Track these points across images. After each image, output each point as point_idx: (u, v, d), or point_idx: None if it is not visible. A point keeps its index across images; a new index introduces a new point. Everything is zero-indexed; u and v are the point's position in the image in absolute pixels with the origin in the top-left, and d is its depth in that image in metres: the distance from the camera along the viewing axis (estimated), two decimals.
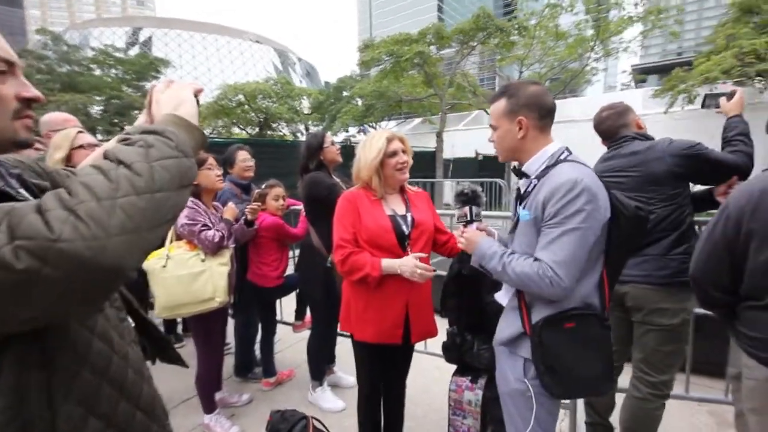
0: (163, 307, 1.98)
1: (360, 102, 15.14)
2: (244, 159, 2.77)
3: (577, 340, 1.20)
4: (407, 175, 1.75)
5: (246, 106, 16.06)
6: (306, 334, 3.46)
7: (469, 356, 1.88)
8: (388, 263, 1.62)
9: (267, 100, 16.20)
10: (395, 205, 1.76)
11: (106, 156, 0.59)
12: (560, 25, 12.12)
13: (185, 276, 1.96)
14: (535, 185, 1.26)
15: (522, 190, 1.35)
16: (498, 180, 9.76)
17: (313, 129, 18.91)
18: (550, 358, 1.20)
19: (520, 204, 1.33)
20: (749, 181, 1.25)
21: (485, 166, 12.53)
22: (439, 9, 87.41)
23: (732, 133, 1.71)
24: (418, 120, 18.14)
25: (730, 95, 1.80)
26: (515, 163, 1.37)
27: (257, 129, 16.92)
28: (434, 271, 1.64)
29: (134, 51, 24.79)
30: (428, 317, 1.81)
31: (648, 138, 1.82)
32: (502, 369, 1.40)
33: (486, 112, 13.19)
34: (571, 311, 1.20)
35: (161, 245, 2.05)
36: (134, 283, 2.10)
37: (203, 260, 2.00)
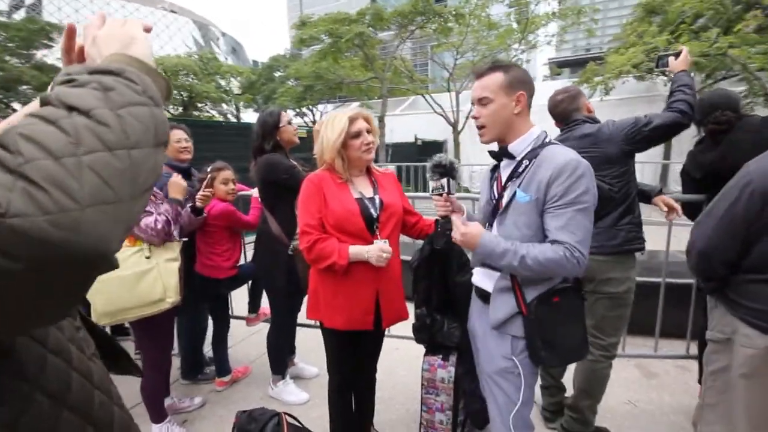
0: (101, 314, 1.70)
1: (296, 83, 14.46)
2: (178, 139, 2.45)
3: (563, 313, 1.27)
4: (373, 155, 1.68)
5: None
6: (258, 327, 3.31)
7: (440, 336, 1.91)
8: (356, 250, 1.56)
9: (191, 77, 14.76)
10: (362, 188, 1.69)
11: (45, 101, 0.44)
12: (492, 15, 12.61)
13: (128, 277, 1.70)
14: (526, 166, 1.25)
15: (505, 174, 1.33)
16: None
17: (245, 110, 17.73)
18: (546, 333, 1.25)
19: (505, 187, 1.32)
20: None
21: (424, 151, 12.79)
22: None
23: (676, 84, 1.88)
24: (355, 104, 17.87)
25: (677, 54, 1.98)
26: (492, 148, 1.35)
27: (180, 109, 15.40)
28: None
29: (20, 15, 20.95)
30: (399, 301, 1.79)
31: (596, 121, 1.96)
32: (488, 350, 1.41)
33: (424, 97, 13.40)
34: (557, 286, 1.27)
35: None
36: None
37: (148, 257, 1.75)
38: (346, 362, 1.77)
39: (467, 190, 12.39)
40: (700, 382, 2.17)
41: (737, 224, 1.25)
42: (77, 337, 0.64)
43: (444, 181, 1.46)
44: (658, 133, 1.80)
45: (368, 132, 1.64)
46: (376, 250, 1.55)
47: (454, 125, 12.77)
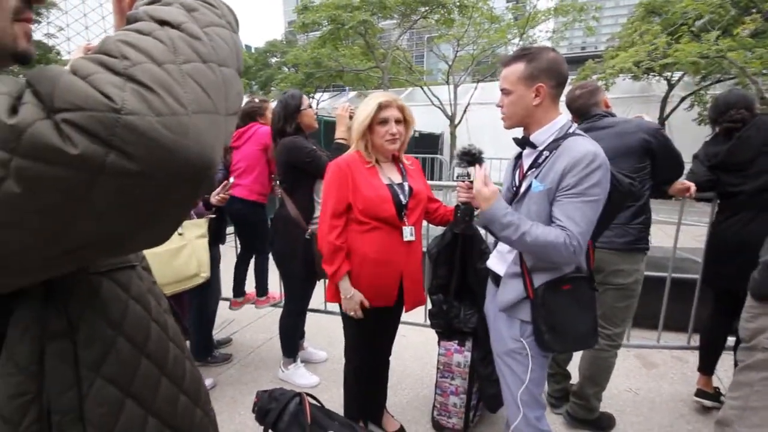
0: None
1: (293, 69, 14.24)
2: None
3: (572, 301, 1.30)
4: (395, 146, 1.64)
5: None
6: (266, 311, 3.32)
7: (457, 321, 1.95)
8: (345, 284, 1.63)
9: None
10: (391, 174, 1.70)
11: (134, 18, 0.43)
12: (494, 8, 12.58)
13: (164, 253, 1.71)
14: (546, 157, 1.27)
15: (527, 163, 1.35)
16: (435, 155, 10.05)
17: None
18: (551, 318, 1.28)
19: (525, 175, 1.34)
20: None
21: (421, 143, 12.78)
22: None
23: None
24: (353, 93, 17.71)
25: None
26: (516, 135, 1.37)
27: None
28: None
29: None
30: (419, 286, 1.81)
31: (614, 116, 1.99)
32: (499, 331, 1.46)
33: (422, 89, 13.34)
34: (568, 274, 1.29)
35: None
36: None
37: (181, 234, 1.76)
38: (365, 345, 1.80)
39: None
40: (700, 370, 2.26)
41: None
42: (155, 290, 0.65)
43: (471, 169, 1.49)
44: (673, 155, 1.90)
45: (399, 122, 1.62)
46: (355, 303, 1.62)
47: (451, 118, 12.76)
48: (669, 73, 9.38)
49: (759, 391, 1.45)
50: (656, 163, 1.91)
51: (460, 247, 1.84)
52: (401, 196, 1.63)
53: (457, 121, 12.96)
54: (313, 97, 16.05)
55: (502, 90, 1.33)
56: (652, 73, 8.79)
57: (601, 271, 1.96)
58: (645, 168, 1.91)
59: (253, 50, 20.79)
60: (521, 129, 1.38)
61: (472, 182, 1.48)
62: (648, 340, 2.84)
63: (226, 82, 0.44)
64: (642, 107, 10.90)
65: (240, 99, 0.49)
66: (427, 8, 11.26)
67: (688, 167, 2.19)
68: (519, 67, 1.26)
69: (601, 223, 1.31)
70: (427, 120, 13.75)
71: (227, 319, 3.29)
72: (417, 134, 13.34)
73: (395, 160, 1.74)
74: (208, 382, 2.41)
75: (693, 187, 2.10)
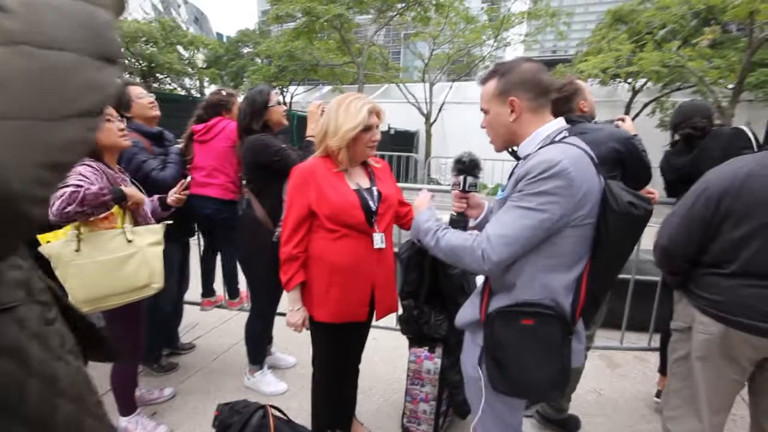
0: (81, 301, 1.54)
1: (266, 61, 13.84)
2: (140, 94, 2.16)
3: (532, 340, 1.09)
4: (374, 152, 1.63)
5: (123, 50, 13.30)
6: (231, 314, 3.19)
7: (427, 328, 1.92)
8: (295, 296, 1.61)
9: (150, 45, 13.71)
10: (359, 178, 1.63)
11: None
12: (470, 8, 12.69)
13: (110, 261, 1.55)
14: (521, 167, 1.18)
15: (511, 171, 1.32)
16: (410, 154, 10.06)
17: (209, 86, 16.79)
18: (498, 351, 1.11)
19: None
20: (731, 164, 1.38)
21: (397, 140, 12.78)
22: None
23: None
24: (328, 88, 17.46)
25: (621, 120, 2.09)
26: (515, 147, 1.29)
27: (139, 79, 14.32)
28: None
29: None
30: (392, 294, 1.76)
31: (589, 120, 1.99)
32: (464, 353, 1.34)
33: (397, 86, 13.32)
34: (533, 306, 1.08)
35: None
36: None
37: (130, 240, 1.60)
38: (333, 355, 1.74)
39: (438, 182, 12.58)
40: (660, 371, 2.35)
41: (695, 225, 1.38)
42: (45, 332, 0.53)
43: (461, 177, 1.42)
44: (641, 164, 1.89)
45: (376, 127, 1.58)
46: (300, 318, 1.61)
47: (426, 116, 12.81)
48: (633, 80, 9.78)
49: (675, 373, 1.56)
50: (625, 172, 1.93)
51: (430, 255, 1.80)
52: (370, 202, 1.57)
53: (432, 120, 13.02)
54: (287, 91, 15.70)
55: (481, 110, 1.25)
56: (618, 79, 9.12)
57: None
58: (614, 177, 1.93)
59: (225, 39, 20.04)
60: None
61: (462, 191, 1.42)
62: (612, 340, 2.93)
63: (54, 72, 0.33)
64: (607, 112, 11.36)
65: (95, 94, 0.37)
66: (403, 5, 11.20)
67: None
68: (491, 85, 1.19)
69: (605, 253, 1.09)
70: (402, 117, 13.78)
71: (191, 323, 3.13)
72: (392, 131, 13.35)
73: (363, 163, 1.68)
74: (167, 391, 2.28)
75: (656, 194, 2.15)
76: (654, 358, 2.60)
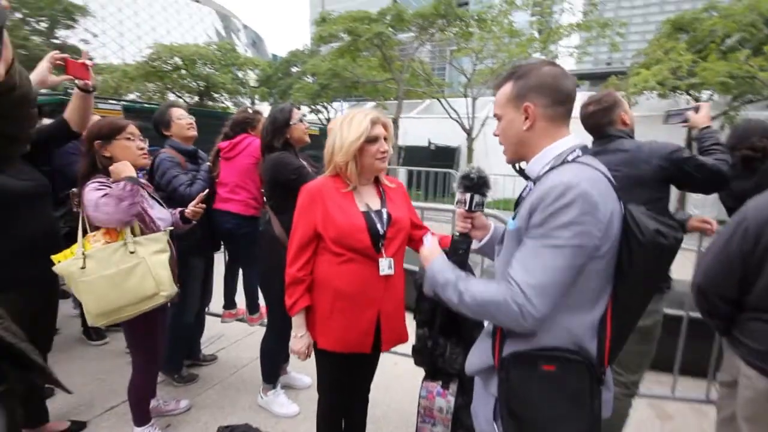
0: (96, 315, 1.61)
1: (313, 79, 14.40)
2: (180, 116, 2.35)
3: (556, 389, 0.94)
4: (386, 165, 1.56)
5: (183, 71, 14.49)
6: (255, 328, 3.21)
7: (442, 361, 1.78)
8: (299, 321, 1.54)
9: (208, 66, 14.77)
10: (369, 199, 1.55)
11: None
12: (515, 22, 12.44)
13: (115, 274, 1.59)
14: (531, 190, 1.06)
15: (519, 195, 1.17)
16: (450, 170, 9.89)
17: (260, 103, 17.75)
18: (516, 402, 0.97)
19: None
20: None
21: (437, 156, 12.66)
22: None
23: (707, 143, 1.73)
24: (371, 104, 17.80)
25: (696, 109, 1.83)
26: (522, 163, 1.17)
27: (196, 98, 15.45)
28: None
29: None
30: (400, 323, 1.66)
31: (631, 136, 1.80)
32: (475, 403, 1.21)
33: (440, 101, 13.26)
34: (554, 351, 0.95)
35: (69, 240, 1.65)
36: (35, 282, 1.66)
37: (132, 252, 1.64)
38: (338, 385, 1.65)
39: None
40: None
41: (734, 261, 1.23)
42: None
43: (467, 196, 1.28)
44: (701, 170, 1.61)
45: (385, 139, 1.52)
46: (304, 344, 1.54)
47: (468, 132, 12.60)
48: (695, 92, 8.99)
49: None
50: (690, 182, 1.70)
51: None
52: (378, 225, 1.49)
53: (474, 135, 12.78)
54: (330, 107, 16.19)
55: (495, 116, 1.14)
56: (678, 91, 8.43)
57: None
58: (662, 199, 1.71)
59: (277, 59, 21.19)
60: None
61: (469, 210, 1.29)
62: (663, 386, 2.58)
63: None
64: (669, 126, 10.50)
65: None
66: (444, 21, 11.20)
67: None
68: (507, 88, 1.07)
69: (629, 287, 0.96)
70: (444, 133, 13.66)
71: (216, 334, 3.20)
72: (433, 147, 13.27)
73: (376, 181, 1.61)
74: (183, 404, 2.30)
75: (715, 224, 1.88)
76: (714, 412, 2.25)
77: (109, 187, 1.64)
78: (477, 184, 1.27)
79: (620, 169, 1.70)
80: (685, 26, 8.92)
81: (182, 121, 2.35)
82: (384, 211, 1.54)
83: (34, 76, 1.64)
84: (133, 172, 1.69)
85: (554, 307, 0.92)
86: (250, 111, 2.51)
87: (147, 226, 1.76)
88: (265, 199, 2.27)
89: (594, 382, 0.95)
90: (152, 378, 2.03)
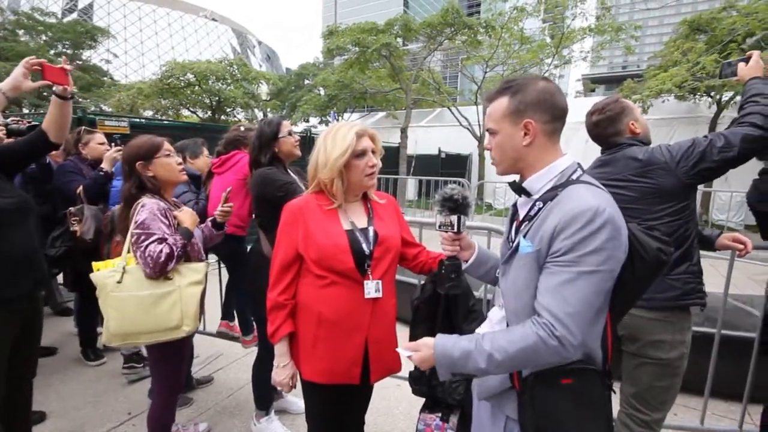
0: (113, 334, 1.55)
1: (323, 91, 14.52)
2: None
3: (575, 400, 0.97)
4: (375, 181, 1.43)
5: (196, 87, 14.80)
6: (254, 348, 3.11)
7: (440, 390, 1.63)
8: (282, 350, 1.41)
9: (220, 82, 15.07)
10: (355, 216, 1.43)
11: None
12: (526, 29, 12.29)
13: (147, 297, 1.53)
14: (540, 209, 1.00)
15: (522, 213, 1.08)
16: (461, 179, 9.73)
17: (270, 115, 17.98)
18: (543, 422, 0.97)
19: (519, 229, 1.07)
20: None
21: (447, 164, 12.51)
22: (405, 3, 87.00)
23: (748, 95, 1.53)
24: (381, 114, 17.83)
25: (746, 60, 1.64)
26: (515, 177, 1.10)
27: (209, 113, 15.75)
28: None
29: (72, 18, 22.18)
30: (391, 352, 1.51)
31: (645, 143, 1.63)
32: (480, 423, 1.19)
33: (450, 110, 13.15)
34: (570, 364, 0.96)
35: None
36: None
37: (170, 278, 1.58)
38: (327, 418, 1.51)
39: (490, 206, 12.00)
40: None
41: None
42: None
43: (454, 218, 1.24)
44: (729, 156, 1.42)
45: (373, 152, 1.40)
46: (286, 375, 1.41)
47: (479, 139, 12.44)
48: (717, 94, 8.61)
49: None
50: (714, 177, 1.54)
51: (443, 304, 1.54)
52: (363, 244, 1.37)
53: (485, 143, 12.59)
54: (340, 118, 16.28)
55: (488, 130, 1.11)
56: (698, 93, 8.08)
57: (636, 340, 1.57)
58: (688, 206, 1.53)
59: (289, 73, 21.56)
60: None
61: (455, 232, 1.25)
62: (690, 412, 2.35)
63: None
64: (687, 129, 10.09)
65: None
66: (453, 29, 11.13)
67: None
68: (502, 103, 1.04)
69: (625, 298, 1.00)
70: (455, 141, 13.50)
71: (214, 354, 3.11)
72: (443, 155, 13.13)
73: (364, 197, 1.49)
74: (201, 427, 2.26)
75: (749, 244, 1.68)
76: None
77: (161, 219, 1.61)
78: (461, 205, 1.22)
79: (637, 180, 1.54)
80: (703, 26, 8.59)
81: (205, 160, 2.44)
82: (371, 229, 1.41)
83: (8, 83, 1.59)
84: (192, 225, 1.72)
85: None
86: (242, 129, 2.46)
87: (192, 253, 1.72)
88: (253, 216, 2.18)
89: (605, 388, 0.99)
90: (174, 406, 1.94)
